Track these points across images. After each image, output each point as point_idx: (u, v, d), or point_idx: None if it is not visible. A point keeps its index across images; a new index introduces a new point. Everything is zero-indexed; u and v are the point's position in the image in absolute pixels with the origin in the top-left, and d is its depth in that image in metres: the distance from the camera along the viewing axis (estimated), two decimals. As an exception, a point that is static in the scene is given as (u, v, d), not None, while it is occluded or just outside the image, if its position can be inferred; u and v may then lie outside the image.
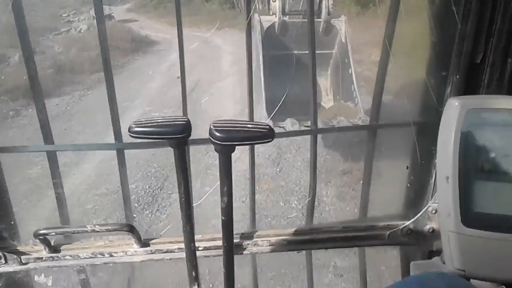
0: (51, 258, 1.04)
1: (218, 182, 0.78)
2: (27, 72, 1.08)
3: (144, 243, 1.04)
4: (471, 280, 0.81)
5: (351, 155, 5.39)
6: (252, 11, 1.23)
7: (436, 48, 1.04)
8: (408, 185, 1.13)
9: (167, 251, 1.04)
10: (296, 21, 7.23)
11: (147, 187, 5.07)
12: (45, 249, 1.03)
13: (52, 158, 1.15)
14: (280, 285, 3.43)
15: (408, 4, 1.11)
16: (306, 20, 7.00)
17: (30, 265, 1.04)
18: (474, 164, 0.78)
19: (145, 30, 14.92)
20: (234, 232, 0.85)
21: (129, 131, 0.73)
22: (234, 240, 0.90)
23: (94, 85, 9.01)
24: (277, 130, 0.72)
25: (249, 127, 0.71)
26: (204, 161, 5.23)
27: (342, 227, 1.07)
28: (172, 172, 5.26)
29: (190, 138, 0.77)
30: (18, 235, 1.09)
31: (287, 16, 7.30)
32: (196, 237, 1.01)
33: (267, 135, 0.71)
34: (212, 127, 0.70)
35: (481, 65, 0.93)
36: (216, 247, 1.04)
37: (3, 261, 1.03)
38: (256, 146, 1.30)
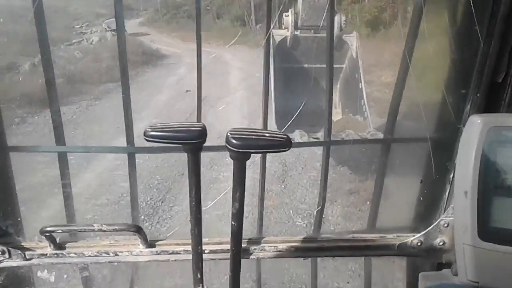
0: (55, 255, 1.03)
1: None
2: (44, 76, 1.10)
3: (150, 244, 1.04)
4: None
5: (358, 175, 5.30)
6: (271, 27, 1.24)
7: (457, 66, 1.05)
8: (421, 198, 1.13)
9: (172, 253, 1.04)
10: (308, 36, 7.32)
11: (149, 198, 5.03)
12: (50, 246, 1.02)
13: (62, 158, 1.16)
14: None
15: (429, 21, 1.11)
16: (317, 35, 7.09)
17: (34, 261, 1.03)
18: (494, 180, 0.79)
19: (156, 44, 15.04)
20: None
21: (144, 135, 0.73)
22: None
23: (102, 95, 9.08)
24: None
25: (266, 136, 0.70)
26: (208, 175, 5.18)
27: (351, 237, 1.07)
28: (174, 184, 5.30)
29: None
30: (23, 232, 1.09)
31: (299, 31, 7.38)
32: (203, 240, 1.01)
33: (284, 144, 0.70)
34: (229, 134, 0.70)
35: (502, 84, 0.93)
36: (223, 251, 1.03)
37: (7, 255, 1.02)
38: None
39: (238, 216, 0.78)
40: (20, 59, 9.12)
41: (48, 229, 0.97)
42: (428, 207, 1.10)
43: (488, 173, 0.79)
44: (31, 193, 4.40)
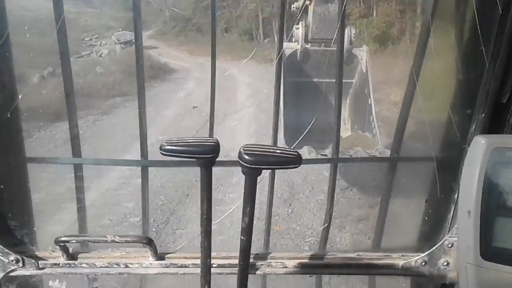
0: (68, 265, 1.05)
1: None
2: (64, 90, 1.14)
3: (160, 257, 1.06)
4: None
5: (368, 200, 5.12)
6: (282, 49, 1.27)
7: (462, 86, 1.06)
8: (426, 218, 1.13)
9: (181, 266, 1.06)
10: (318, 49, 7.31)
11: (152, 220, 4.85)
12: (62, 255, 1.05)
13: (78, 170, 1.19)
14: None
15: (436, 41, 1.13)
16: (328, 48, 7.09)
17: (47, 270, 1.06)
18: (497, 201, 0.80)
19: (164, 58, 14.99)
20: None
21: (160, 149, 0.76)
22: (249, 260, 0.90)
23: (109, 110, 8.96)
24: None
25: (277, 153, 0.73)
26: (213, 196, 5.03)
27: (356, 255, 1.07)
28: (178, 206, 5.17)
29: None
30: (36, 241, 1.12)
31: (309, 44, 7.37)
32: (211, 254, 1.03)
33: (294, 160, 0.73)
34: (242, 150, 0.72)
35: (506, 105, 0.94)
36: (230, 265, 1.05)
37: (20, 264, 1.04)
38: (268, 183, 1.34)
39: (247, 230, 0.80)
40: (29, 72, 9.01)
41: (63, 239, 1.00)
42: (433, 226, 1.10)
43: (491, 194, 0.80)
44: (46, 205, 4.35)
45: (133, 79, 1.19)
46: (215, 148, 0.77)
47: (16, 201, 1.13)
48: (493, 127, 0.97)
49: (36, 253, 1.07)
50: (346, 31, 6.86)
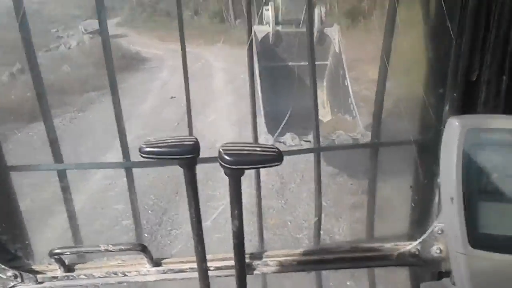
0: (66, 277, 1.05)
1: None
2: (35, 91, 1.11)
3: (156, 263, 1.06)
4: None
5: (360, 184, 4.96)
6: (252, 23, 1.26)
7: (433, 65, 1.06)
8: (413, 205, 1.14)
9: (179, 271, 1.06)
10: (290, 31, 7.24)
11: (145, 222, 4.66)
12: (60, 268, 1.04)
13: (62, 176, 1.17)
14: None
15: (403, 19, 1.13)
16: (299, 29, 7.02)
17: (46, 284, 1.06)
18: (477, 185, 0.78)
19: (135, 46, 14.51)
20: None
21: (140, 151, 0.75)
22: (245, 260, 0.91)
23: (86, 106, 8.66)
24: (277, 146, 0.75)
25: (258, 151, 0.72)
26: (204, 192, 4.88)
27: (350, 247, 1.08)
28: (170, 204, 5.02)
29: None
30: (32, 254, 1.11)
31: (280, 26, 7.29)
32: (207, 257, 1.04)
33: (275, 158, 0.72)
34: (221, 150, 0.71)
35: (477, 83, 0.93)
36: (227, 267, 1.05)
37: (19, 279, 1.04)
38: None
39: (238, 233, 0.80)
40: (-3, 69, 8.75)
41: (57, 251, 0.99)
42: (422, 213, 1.10)
43: (471, 178, 0.78)
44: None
45: (105, 72, 1.16)
46: (195, 148, 0.76)
47: (3, 213, 1.12)
48: (466, 106, 0.96)
49: (33, 267, 1.07)
50: (316, 10, 6.78)
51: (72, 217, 1.19)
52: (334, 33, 7.15)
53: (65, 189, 1.19)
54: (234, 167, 0.71)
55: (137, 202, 1.24)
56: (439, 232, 1.00)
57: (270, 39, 7.26)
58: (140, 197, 5.19)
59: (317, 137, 1.26)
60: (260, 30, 7.24)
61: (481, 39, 0.90)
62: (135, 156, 1.12)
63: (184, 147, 0.76)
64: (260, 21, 7.57)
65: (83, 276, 1.05)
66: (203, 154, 0.78)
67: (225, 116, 7.74)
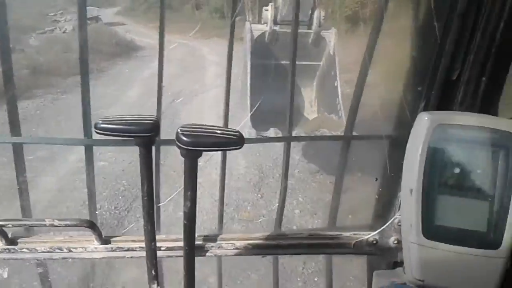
0: (7, 250, 1.01)
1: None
2: (1, 63, 1.07)
3: (105, 240, 1.02)
4: None
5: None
6: (236, 14, 1.24)
7: (416, 63, 1.05)
8: (377, 197, 1.14)
9: (128, 249, 1.02)
10: (287, 31, 7.28)
11: (113, 207, 4.60)
12: (1, 240, 1.00)
13: (18, 151, 1.13)
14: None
15: (393, 19, 1.11)
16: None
17: (-16, 256, 1.01)
18: (439, 178, 0.80)
19: (130, 35, 14.56)
20: (197, 234, 0.83)
21: (95, 127, 0.72)
22: (197, 242, 0.88)
23: (70, 89, 8.58)
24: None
25: (218, 133, 0.69)
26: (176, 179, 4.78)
27: (308, 235, 1.07)
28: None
29: (162, 139, 0.76)
30: None
31: (278, 26, 7.35)
32: (160, 237, 1.00)
33: (235, 142, 0.69)
34: (179, 131, 0.68)
35: (456, 82, 0.93)
36: (180, 248, 1.00)
37: None
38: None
39: (190, 215, 0.77)
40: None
41: None
42: (384, 205, 1.10)
43: (433, 171, 0.80)
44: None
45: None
46: (154, 127, 0.73)
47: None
48: (442, 104, 0.96)
49: None
50: (316, 13, 6.87)
51: (23, 190, 1.13)
52: (330, 36, 7.21)
53: (20, 165, 1.14)
54: (190, 148, 0.67)
55: (94, 182, 1.19)
56: (399, 224, 1.00)
57: (266, 37, 7.29)
58: (112, 183, 5.15)
59: (289, 126, 1.24)
60: (257, 29, 7.30)
61: (466, 40, 0.90)
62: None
63: (143, 125, 0.72)
64: (260, 20, 7.63)
65: (26, 250, 1.01)
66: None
67: (214, 107, 7.71)
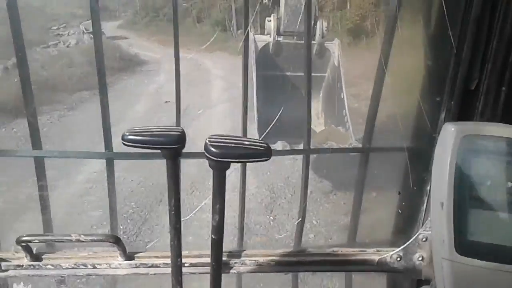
0: (32, 266, 1.00)
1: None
2: (20, 78, 1.08)
3: (129, 256, 1.01)
4: None
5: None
6: (248, 29, 1.25)
7: (431, 73, 1.04)
8: (400, 211, 1.12)
9: (152, 266, 1.01)
10: (290, 42, 7.32)
11: (121, 232, 4.45)
12: (26, 256, 0.99)
13: (39, 164, 1.13)
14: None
15: (404, 27, 1.11)
16: (300, 41, 7.11)
17: (10, 272, 1.00)
18: (469, 191, 0.78)
19: (134, 48, 14.56)
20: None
21: (122, 138, 0.71)
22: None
23: (76, 105, 8.54)
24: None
25: (246, 144, 0.68)
26: (189, 202, 4.73)
27: (331, 251, 1.05)
28: (151, 214, 4.80)
29: (184, 151, 0.75)
30: None
31: (281, 37, 7.38)
32: (183, 253, 0.99)
33: (264, 153, 0.68)
34: (207, 141, 0.67)
35: (475, 91, 0.92)
36: (203, 264, 1.01)
37: None
38: (246, 186, 1.29)
39: (218, 229, 0.76)
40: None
41: (25, 238, 0.94)
42: (407, 220, 1.08)
43: (463, 184, 0.77)
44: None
45: None
46: (181, 138, 0.72)
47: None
48: (462, 114, 0.94)
49: None
50: (318, 24, 6.90)
51: (45, 205, 1.14)
52: (334, 47, 7.23)
53: (42, 180, 1.15)
54: (219, 159, 0.67)
55: (115, 196, 1.19)
56: (423, 239, 0.98)
57: (270, 48, 7.32)
58: (120, 204, 5.07)
59: (308, 139, 1.24)
60: (261, 40, 7.32)
61: (482, 48, 0.89)
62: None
63: (170, 137, 0.72)
64: (263, 31, 7.66)
65: (50, 266, 1.00)
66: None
67: (220, 123, 7.65)
